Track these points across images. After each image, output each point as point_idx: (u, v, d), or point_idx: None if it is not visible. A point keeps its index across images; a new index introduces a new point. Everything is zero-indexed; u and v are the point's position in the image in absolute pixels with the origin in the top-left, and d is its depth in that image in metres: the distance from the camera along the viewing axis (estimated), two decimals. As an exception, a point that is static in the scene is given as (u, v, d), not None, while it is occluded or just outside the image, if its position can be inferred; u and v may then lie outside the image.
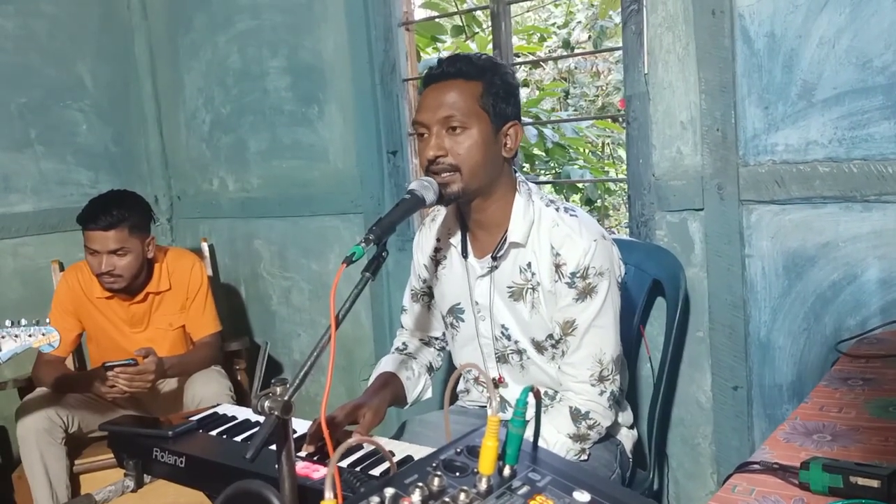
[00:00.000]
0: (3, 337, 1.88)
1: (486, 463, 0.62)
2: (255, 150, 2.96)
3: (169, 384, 2.48)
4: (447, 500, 0.57)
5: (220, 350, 2.59)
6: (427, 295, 1.74)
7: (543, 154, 3.67)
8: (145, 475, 1.58)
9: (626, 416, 1.68)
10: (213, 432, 1.57)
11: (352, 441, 0.59)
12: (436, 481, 0.60)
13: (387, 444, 1.45)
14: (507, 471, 0.64)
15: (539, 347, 1.56)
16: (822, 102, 1.80)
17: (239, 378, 2.72)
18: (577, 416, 1.47)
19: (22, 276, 2.89)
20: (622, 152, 4.75)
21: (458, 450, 0.67)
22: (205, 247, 2.91)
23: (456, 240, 1.61)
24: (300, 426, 1.46)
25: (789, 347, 1.91)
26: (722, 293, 1.97)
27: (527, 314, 1.54)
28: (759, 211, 1.90)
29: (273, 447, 1.13)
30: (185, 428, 1.57)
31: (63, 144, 3.02)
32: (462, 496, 0.58)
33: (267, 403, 1.25)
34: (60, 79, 3.01)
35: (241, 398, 2.53)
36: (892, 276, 1.78)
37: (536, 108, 3.74)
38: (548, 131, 3.43)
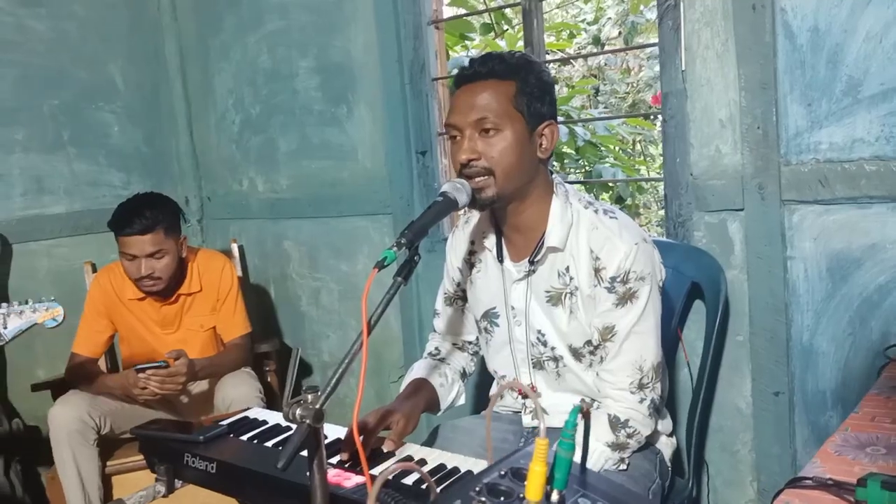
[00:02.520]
0: (8, 315, 1.89)
1: (534, 489, 0.58)
2: (284, 151, 2.95)
3: (199, 386, 2.48)
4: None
5: (251, 352, 2.59)
6: (461, 299, 1.70)
7: (574, 153, 3.62)
8: (176, 480, 1.57)
9: (665, 424, 1.63)
10: (244, 437, 1.55)
11: (392, 468, 0.55)
12: (480, 505, 0.57)
13: (419, 451, 1.42)
14: (555, 496, 0.60)
15: (577, 354, 1.52)
16: (868, 99, 1.73)
17: (269, 380, 2.71)
18: (616, 424, 1.42)
19: (55, 277, 2.91)
20: (653, 150, 4.67)
21: (503, 472, 0.63)
22: (234, 248, 2.91)
23: (490, 243, 1.57)
24: (331, 431, 1.44)
25: (833, 353, 1.85)
26: (763, 296, 1.91)
27: (565, 320, 1.49)
28: (802, 211, 1.84)
29: (305, 454, 1.11)
30: (215, 433, 1.56)
31: (95, 146, 3.04)
32: (509, 523, 0.55)
33: (298, 412, 1.23)
34: (92, 81, 3.03)
35: (271, 400, 2.52)
36: (943, 278, 1.71)
37: (567, 105, 3.68)
38: (579, 129, 3.38)
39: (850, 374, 1.83)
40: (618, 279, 1.43)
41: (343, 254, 2.84)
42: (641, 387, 1.46)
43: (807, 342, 1.88)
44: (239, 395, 2.32)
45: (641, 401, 1.45)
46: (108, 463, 2.34)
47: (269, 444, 1.51)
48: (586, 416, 0.65)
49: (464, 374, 1.73)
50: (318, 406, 1.22)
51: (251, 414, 1.69)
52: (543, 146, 1.44)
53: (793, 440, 1.91)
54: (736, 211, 1.93)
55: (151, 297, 2.43)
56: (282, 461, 1.25)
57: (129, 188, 3.00)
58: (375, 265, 1.25)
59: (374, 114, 2.64)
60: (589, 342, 1.51)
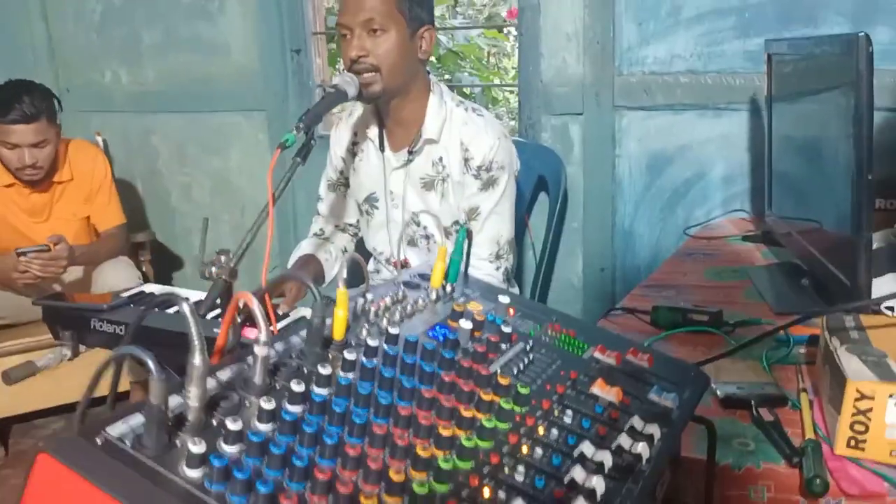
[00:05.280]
0: None
1: (436, 279, 0.84)
2: (149, 43, 2.93)
3: (75, 273, 2.53)
4: (410, 302, 0.80)
5: (127, 241, 2.66)
6: (343, 185, 1.91)
7: (435, 60, 3.83)
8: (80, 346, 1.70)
9: (513, 291, 1.96)
10: (145, 306, 1.70)
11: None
12: (400, 292, 0.82)
13: (310, 312, 1.65)
14: (448, 287, 0.87)
15: (445, 232, 1.79)
16: (686, 21, 2.08)
17: (144, 269, 2.80)
18: (475, 286, 1.73)
19: None
20: (506, 62, 4.97)
21: (413, 276, 0.89)
22: (99, 140, 2.91)
23: (373, 133, 1.78)
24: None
25: (647, 235, 2.26)
26: (595, 189, 2.27)
27: (437, 202, 1.75)
28: (630, 116, 2.19)
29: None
30: (118, 302, 1.70)
31: (-62, 29, 2.87)
32: (420, 301, 0.81)
33: (214, 269, 1.43)
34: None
35: (149, 287, 2.63)
36: (733, 173, 2.13)
37: (429, 14, 3.85)
38: (442, 38, 3.59)
39: (659, 251, 2.25)
40: (483, 168, 1.70)
41: (214, 149, 2.92)
42: (498, 257, 1.76)
43: (627, 227, 2.27)
44: (119, 280, 2.41)
45: (497, 268, 1.76)
46: (-14, 348, 2.38)
47: (170, 311, 1.67)
48: (469, 236, 0.91)
49: (345, 252, 1.97)
50: (231, 265, 1.42)
51: (146, 289, 1.83)
52: (423, 48, 1.66)
53: (613, 305, 2.32)
54: (576, 115, 2.25)
55: (21, 185, 2.43)
56: (203, 309, 1.44)
57: (-20, 76, 2.88)
58: (278, 146, 1.43)
59: (246, 10, 2.70)
60: (456, 221, 1.78)
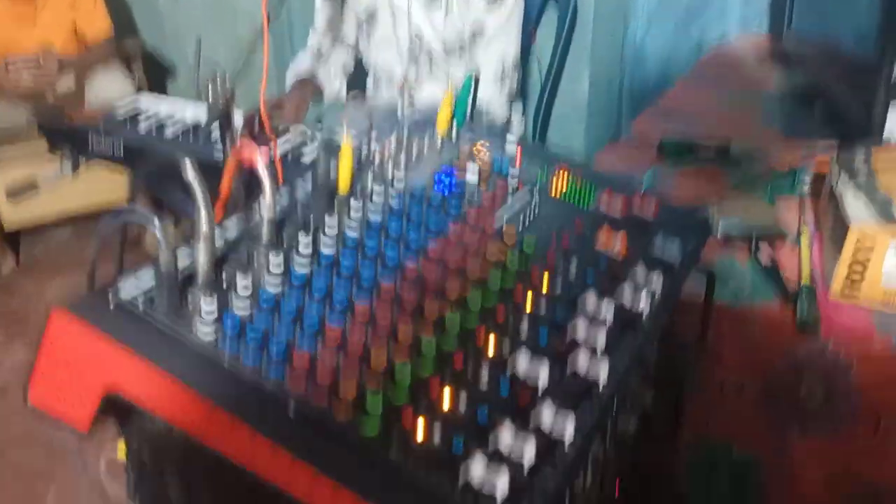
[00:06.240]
0: None
1: (442, 124, 0.82)
2: None
3: (67, 83, 2.46)
4: (415, 147, 0.78)
5: (117, 48, 2.56)
6: (342, -6, 1.80)
7: None
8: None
9: (517, 107, 1.92)
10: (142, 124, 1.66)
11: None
12: (405, 135, 0.80)
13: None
14: (454, 132, 0.84)
15: (448, 51, 1.72)
16: None
17: (136, 78, 2.71)
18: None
19: None
20: None
21: (418, 116, 0.86)
22: (76, -64, 2.69)
23: (373, -61, 1.65)
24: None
25: (659, 52, 2.16)
26: (606, 2, 2.14)
27: (441, 19, 1.66)
28: (650, -80, 2.02)
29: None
30: (114, 120, 1.66)
31: None
32: (426, 146, 0.79)
33: (210, 89, 1.38)
34: None
35: (143, 99, 2.56)
36: (755, -14, 2.00)
37: None
38: None
39: (670, 71, 2.15)
40: (489, -18, 1.59)
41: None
42: (503, 77, 1.71)
43: (639, 41, 2.17)
44: (112, 92, 2.36)
45: (502, 88, 1.71)
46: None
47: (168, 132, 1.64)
48: (476, 82, 0.88)
49: (345, 70, 1.89)
50: (228, 84, 1.37)
51: (142, 101, 1.77)
52: None
53: (619, 124, 2.28)
54: (593, -81, 2.07)
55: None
56: (200, 133, 1.42)
57: None
58: (269, -43, 1.32)
59: None
60: (461, 39, 1.70)
